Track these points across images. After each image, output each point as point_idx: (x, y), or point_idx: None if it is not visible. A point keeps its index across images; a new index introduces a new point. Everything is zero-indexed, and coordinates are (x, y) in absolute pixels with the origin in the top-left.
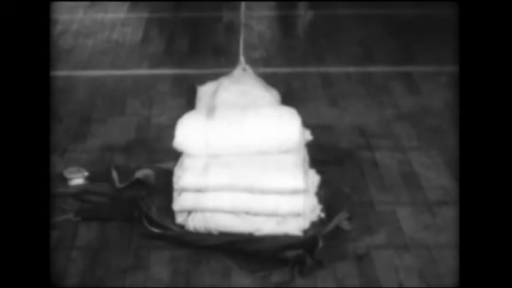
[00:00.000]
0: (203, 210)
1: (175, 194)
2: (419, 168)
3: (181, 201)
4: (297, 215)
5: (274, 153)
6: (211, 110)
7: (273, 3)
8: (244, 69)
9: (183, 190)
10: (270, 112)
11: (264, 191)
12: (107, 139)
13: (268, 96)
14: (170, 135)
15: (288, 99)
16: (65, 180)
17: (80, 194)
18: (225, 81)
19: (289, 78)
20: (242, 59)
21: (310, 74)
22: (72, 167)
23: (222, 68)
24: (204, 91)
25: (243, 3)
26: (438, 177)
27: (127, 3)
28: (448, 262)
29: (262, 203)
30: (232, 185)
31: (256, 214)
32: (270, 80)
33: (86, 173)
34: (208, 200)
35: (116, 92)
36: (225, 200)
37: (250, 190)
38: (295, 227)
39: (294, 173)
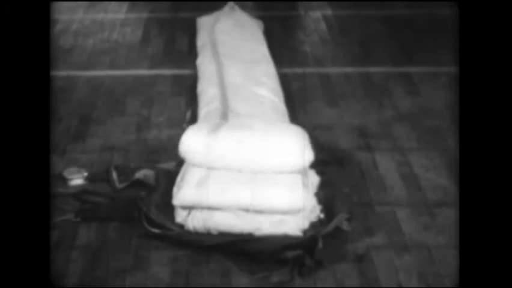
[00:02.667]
0: (203, 207)
1: (174, 190)
2: (419, 169)
3: (181, 196)
4: (297, 211)
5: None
6: (215, 127)
7: (272, 3)
8: (232, 8)
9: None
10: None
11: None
12: (107, 139)
13: (256, 26)
14: (170, 135)
15: (288, 99)
16: (65, 180)
17: (80, 194)
18: (220, 15)
19: (289, 78)
20: None
21: (310, 75)
22: (72, 167)
23: None
24: (203, 23)
25: None
26: (437, 178)
27: (127, 3)
28: (448, 262)
29: (263, 200)
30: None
31: (257, 211)
32: None
33: (86, 173)
34: (209, 196)
35: (116, 92)
36: (226, 196)
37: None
38: (294, 227)
39: (293, 192)
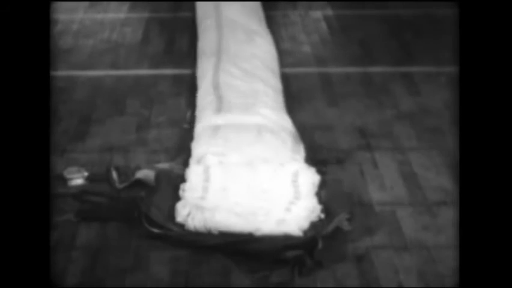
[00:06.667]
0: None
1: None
2: (419, 168)
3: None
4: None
5: None
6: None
7: (272, 3)
8: None
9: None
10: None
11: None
12: (107, 139)
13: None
14: (170, 135)
15: (288, 99)
16: (64, 180)
17: (79, 194)
18: None
19: (289, 78)
20: None
21: (310, 74)
22: (72, 167)
23: None
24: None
25: None
26: (437, 177)
27: (127, 4)
28: (448, 262)
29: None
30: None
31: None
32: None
33: (86, 173)
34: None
35: (116, 92)
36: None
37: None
38: (295, 228)
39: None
